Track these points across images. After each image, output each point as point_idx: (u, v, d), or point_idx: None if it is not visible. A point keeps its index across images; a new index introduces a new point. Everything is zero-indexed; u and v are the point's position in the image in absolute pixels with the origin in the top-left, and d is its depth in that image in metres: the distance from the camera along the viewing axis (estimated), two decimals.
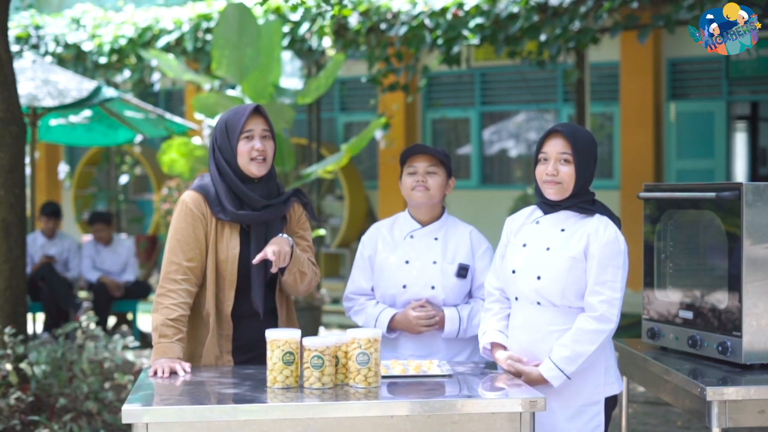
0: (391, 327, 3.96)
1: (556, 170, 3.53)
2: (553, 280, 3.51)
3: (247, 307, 3.77)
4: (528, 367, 3.51)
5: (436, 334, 3.97)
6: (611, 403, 3.64)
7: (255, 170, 3.74)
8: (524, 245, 3.62)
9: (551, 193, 3.57)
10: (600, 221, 3.54)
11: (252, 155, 3.73)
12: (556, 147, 3.54)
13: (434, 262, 3.96)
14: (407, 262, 3.97)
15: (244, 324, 3.78)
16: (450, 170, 4.01)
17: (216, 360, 3.76)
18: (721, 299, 3.65)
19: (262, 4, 5.41)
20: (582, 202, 3.58)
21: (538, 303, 3.56)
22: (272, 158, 3.80)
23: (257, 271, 3.74)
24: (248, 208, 3.76)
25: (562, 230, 3.57)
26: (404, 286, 3.96)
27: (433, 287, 3.94)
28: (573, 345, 3.45)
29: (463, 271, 3.96)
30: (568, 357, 3.45)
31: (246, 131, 3.74)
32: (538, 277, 3.53)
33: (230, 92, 9.30)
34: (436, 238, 4.00)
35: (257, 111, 3.77)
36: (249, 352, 3.79)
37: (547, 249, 3.55)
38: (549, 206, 3.62)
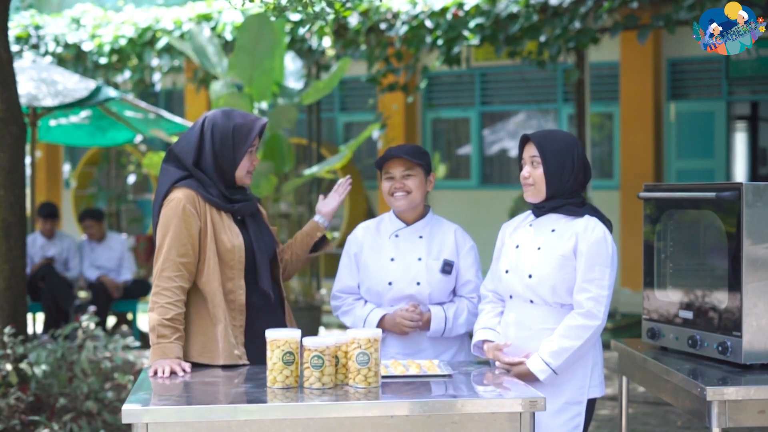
0: (379, 327, 3.98)
1: (528, 173, 3.78)
2: (544, 277, 3.65)
3: (255, 295, 3.80)
4: (517, 360, 3.63)
5: (421, 333, 4.02)
6: (591, 406, 3.73)
7: (248, 182, 3.90)
8: (517, 246, 3.78)
9: (527, 195, 3.82)
10: (589, 221, 3.69)
11: (249, 169, 3.86)
12: (528, 152, 3.80)
13: (419, 259, 4.01)
14: (392, 259, 4.02)
15: (255, 313, 3.80)
16: (428, 167, 4.04)
17: (227, 352, 3.71)
18: (721, 299, 3.66)
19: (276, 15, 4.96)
20: (571, 204, 3.73)
21: (531, 301, 3.69)
22: None
23: (261, 256, 3.80)
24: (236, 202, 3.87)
25: (553, 230, 3.72)
26: (390, 283, 4.00)
27: (418, 283, 3.99)
28: (559, 340, 3.58)
29: (447, 267, 4.01)
30: (554, 351, 3.57)
31: (252, 146, 3.84)
32: (530, 276, 3.67)
33: (235, 93, 9.29)
34: (420, 236, 4.05)
35: None
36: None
37: (538, 249, 3.70)
38: (538, 209, 3.80)
